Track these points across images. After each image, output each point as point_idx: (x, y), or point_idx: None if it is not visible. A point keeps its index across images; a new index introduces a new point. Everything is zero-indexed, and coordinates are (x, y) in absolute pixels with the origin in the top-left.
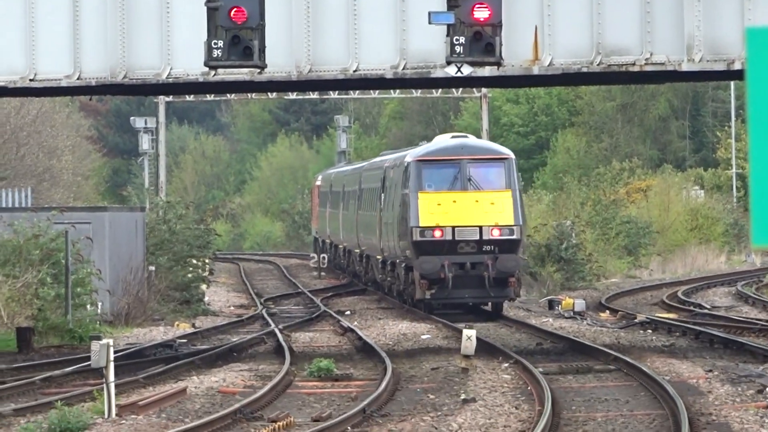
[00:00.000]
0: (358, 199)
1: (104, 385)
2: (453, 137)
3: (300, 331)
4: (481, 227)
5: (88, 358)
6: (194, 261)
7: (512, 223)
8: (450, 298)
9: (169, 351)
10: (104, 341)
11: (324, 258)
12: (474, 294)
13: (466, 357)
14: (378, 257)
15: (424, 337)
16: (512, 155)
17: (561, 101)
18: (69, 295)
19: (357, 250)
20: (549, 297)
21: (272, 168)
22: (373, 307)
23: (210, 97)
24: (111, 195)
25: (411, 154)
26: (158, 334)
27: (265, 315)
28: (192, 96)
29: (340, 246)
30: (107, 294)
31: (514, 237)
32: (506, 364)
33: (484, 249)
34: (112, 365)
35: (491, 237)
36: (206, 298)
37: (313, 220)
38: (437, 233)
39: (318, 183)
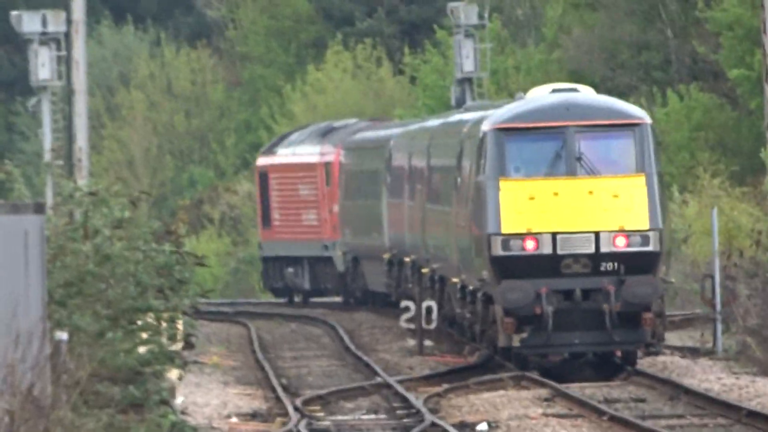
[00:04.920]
0: (427, 182)
1: None
2: (554, 91)
3: None
4: (597, 234)
5: None
6: (151, 320)
7: (647, 228)
8: (550, 345)
9: None
10: None
11: (432, 310)
12: (588, 338)
13: None
14: (455, 281)
15: None
16: (647, 119)
17: None
18: None
19: (426, 270)
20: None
21: (316, 114)
22: (535, 412)
23: None
24: None
25: (489, 119)
26: None
27: None
28: None
29: (407, 261)
30: None
31: (649, 249)
32: None
33: (602, 268)
34: None
35: (614, 249)
36: (179, 400)
37: (325, 220)
38: (529, 244)
39: (341, 158)
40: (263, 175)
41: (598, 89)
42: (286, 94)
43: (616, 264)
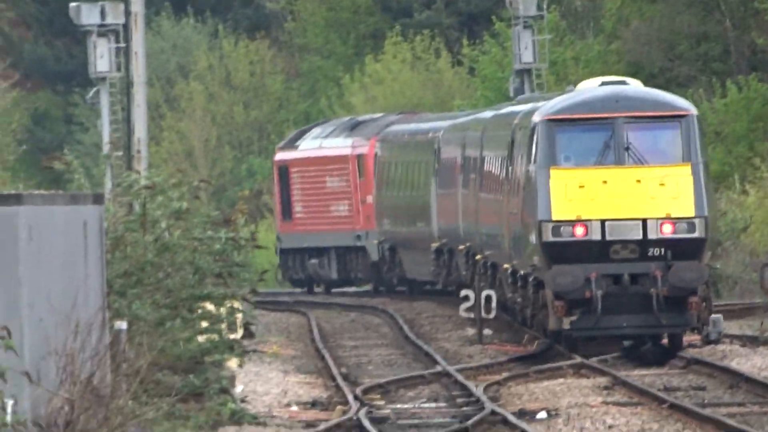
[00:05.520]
0: (480, 172)
1: None
2: (603, 84)
3: None
4: (645, 221)
5: None
6: (211, 308)
7: (693, 215)
8: (599, 327)
9: None
10: None
11: (491, 299)
12: (636, 321)
13: None
14: (506, 266)
15: None
16: (694, 110)
17: None
18: None
19: (479, 256)
20: None
21: (375, 105)
22: (595, 400)
23: None
24: (30, 169)
25: (541, 110)
26: None
27: (366, 423)
28: None
29: (458, 250)
30: (25, 382)
31: (695, 235)
32: None
33: (650, 254)
34: None
35: (661, 235)
36: (239, 388)
37: (357, 211)
38: (579, 230)
39: (377, 150)
40: (283, 170)
41: (657, 80)
42: (345, 85)
43: (663, 250)
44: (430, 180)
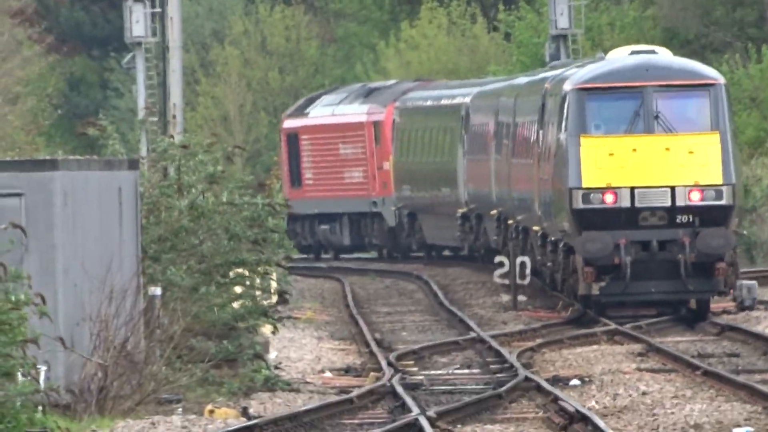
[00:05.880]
0: (513, 138)
1: None
2: (633, 53)
3: (473, 423)
4: (673, 188)
5: None
6: (246, 274)
7: (720, 182)
8: (628, 293)
9: None
10: None
11: (526, 266)
12: (664, 287)
13: None
14: (537, 230)
15: None
16: (722, 79)
17: None
18: None
19: (511, 221)
20: None
21: (410, 73)
22: (628, 367)
23: None
24: (66, 134)
25: (571, 79)
26: None
27: (399, 389)
28: None
29: (489, 216)
30: (59, 347)
31: (723, 202)
32: None
33: (678, 221)
34: None
35: (689, 203)
36: (273, 355)
37: (373, 177)
38: (608, 198)
39: (396, 117)
40: (292, 137)
41: (692, 46)
42: (380, 50)
43: (691, 217)
44: (456, 146)
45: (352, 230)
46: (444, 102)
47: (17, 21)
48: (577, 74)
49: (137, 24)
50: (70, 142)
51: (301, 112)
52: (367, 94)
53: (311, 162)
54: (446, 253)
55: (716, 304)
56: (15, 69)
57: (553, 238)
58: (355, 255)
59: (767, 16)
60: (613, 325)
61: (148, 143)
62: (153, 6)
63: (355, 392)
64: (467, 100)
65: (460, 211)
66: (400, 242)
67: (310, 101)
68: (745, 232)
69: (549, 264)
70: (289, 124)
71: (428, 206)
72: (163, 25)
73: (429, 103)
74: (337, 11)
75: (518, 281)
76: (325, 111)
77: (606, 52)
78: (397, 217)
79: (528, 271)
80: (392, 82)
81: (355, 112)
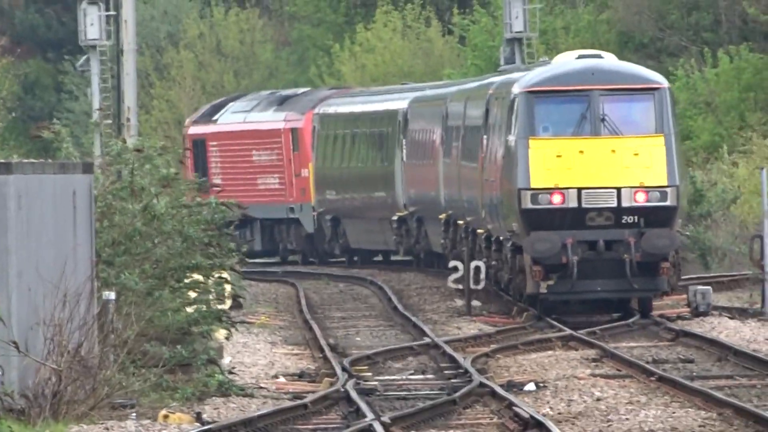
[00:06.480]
0: (462, 141)
1: None
2: (580, 57)
3: (427, 428)
4: (619, 189)
5: None
6: (199, 278)
7: (665, 184)
8: (575, 291)
9: None
10: None
11: (480, 270)
12: (610, 286)
13: None
14: (481, 232)
15: None
16: (666, 83)
17: None
18: None
19: (462, 222)
20: None
21: (364, 76)
22: (583, 372)
23: None
24: (20, 137)
25: (520, 82)
26: None
27: (353, 394)
28: None
29: (438, 219)
30: (12, 352)
31: (667, 203)
32: None
33: (624, 221)
34: None
35: (635, 203)
36: (227, 360)
37: (290, 184)
38: (556, 198)
39: (315, 124)
40: (199, 144)
41: (647, 50)
42: (335, 53)
43: (636, 217)
44: (392, 151)
45: (263, 236)
46: (375, 108)
47: None
48: (525, 78)
49: (92, 27)
50: (24, 146)
51: (208, 118)
52: (281, 102)
53: (220, 168)
54: (377, 258)
55: (671, 310)
56: None
57: (501, 238)
58: (267, 260)
59: (722, 20)
60: (567, 331)
61: (102, 146)
62: (107, 9)
63: (309, 398)
64: (404, 105)
65: (398, 214)
66: (318, 247)
67: (217, 108)
68: (688, 233)
69: (494, 263)
70: (195, 130)
71: (354, 211)
72: (117, 28)
73: (357, 109)
74: (292, 14)
75: (472, 286)
76: (236, 118)
77: (557, 54)
78: (316, 222)
79: (482, 275)
80: (305, 89)
81: (271, 119)
